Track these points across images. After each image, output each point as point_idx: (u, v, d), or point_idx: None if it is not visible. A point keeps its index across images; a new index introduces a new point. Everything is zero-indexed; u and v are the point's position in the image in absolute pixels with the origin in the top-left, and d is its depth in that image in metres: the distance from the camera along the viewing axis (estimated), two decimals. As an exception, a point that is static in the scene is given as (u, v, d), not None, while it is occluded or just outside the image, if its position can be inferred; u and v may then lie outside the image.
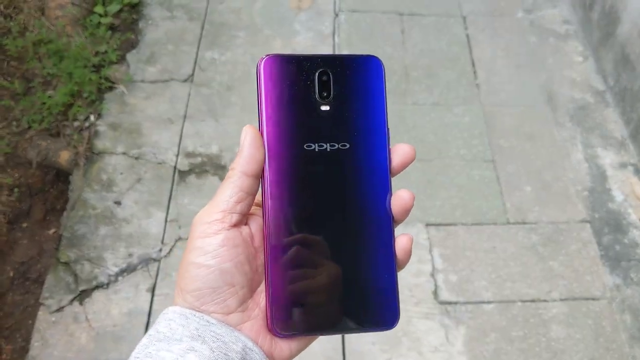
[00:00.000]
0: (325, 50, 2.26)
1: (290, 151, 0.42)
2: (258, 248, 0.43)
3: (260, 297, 0.43)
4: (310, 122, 0.42)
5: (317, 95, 0.43)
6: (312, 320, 0.42)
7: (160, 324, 0.40)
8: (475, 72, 2.23)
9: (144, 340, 0.40)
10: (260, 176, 0.42)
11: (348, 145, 0.43)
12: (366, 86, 0.44)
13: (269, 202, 0.41)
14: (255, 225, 0.43)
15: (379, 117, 0.43)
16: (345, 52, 2.26)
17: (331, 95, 0.43)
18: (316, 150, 0.42)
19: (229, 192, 0.41)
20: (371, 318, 0.42)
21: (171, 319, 0.40)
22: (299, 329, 0.42)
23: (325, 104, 0.43)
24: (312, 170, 0.42)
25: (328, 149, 0.42)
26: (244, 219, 0.42)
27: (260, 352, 0.41)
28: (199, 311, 0.40)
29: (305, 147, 0.42)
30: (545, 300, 1.68)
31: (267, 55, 0.43)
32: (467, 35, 2.35)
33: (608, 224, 1.83)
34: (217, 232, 0.41)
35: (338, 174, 0.42)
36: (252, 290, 0.42)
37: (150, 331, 0.40)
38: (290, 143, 0.42)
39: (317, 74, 0.43)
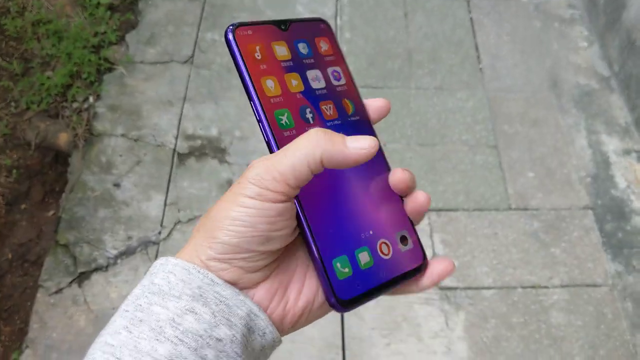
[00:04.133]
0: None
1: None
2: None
3: (282, 262, 0.40)
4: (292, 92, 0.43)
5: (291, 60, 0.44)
6: (366, 285, 0.41)
7: (157, 276, 0.36)
8: (479, 57, 2.20)
9: (136, 290, 0.36)
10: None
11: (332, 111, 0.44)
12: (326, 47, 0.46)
13: None
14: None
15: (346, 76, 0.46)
16: (347, 34, 2.23)
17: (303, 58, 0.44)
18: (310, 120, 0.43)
19: (307, 161, 0.36)
20: (407, 270, 0.42)
21: (171, 272, 0.36)
22: (360, 298, 0.40)
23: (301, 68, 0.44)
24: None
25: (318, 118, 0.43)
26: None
27: (266, 318, 0.37)
28: (210, 263, 0.36)
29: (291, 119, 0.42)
30: (546, 287, 1.67)
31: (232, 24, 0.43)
32: (471, 19, 2.32)
33: (611, 211, 1.82)
34: (277, 201, 0.36)
35: None
36: (280, 252, 0.39)
37: (144, 281, 0.36)
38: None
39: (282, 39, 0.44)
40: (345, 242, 0.41)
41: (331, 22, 2.27)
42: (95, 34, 2.15)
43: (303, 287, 0.40)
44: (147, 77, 2.07)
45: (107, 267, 1.66)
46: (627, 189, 1.87)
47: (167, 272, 0.36)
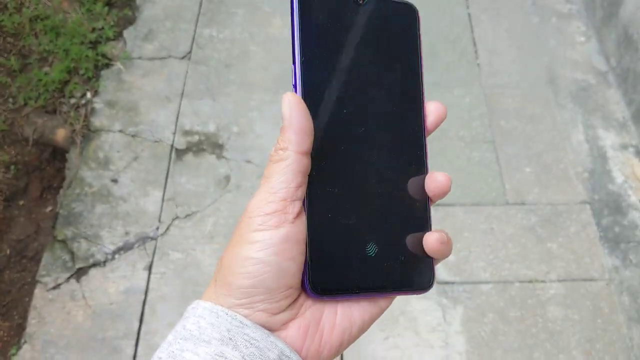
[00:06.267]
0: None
1: (326, 111, 0.40)
2: None
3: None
4: (347, 75, 0.40)
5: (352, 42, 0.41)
6: (350, 279, 0.39)
7: (189, 320, 0.36)
8: (476, 53, 2.20)
9: (169, 336, 0.36)
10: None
11: (384, 102, 0.42)
12: (403, 34, 0.43)
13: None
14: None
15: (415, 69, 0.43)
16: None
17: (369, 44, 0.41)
18: (351, 110, 0.40)
19: (286, 176, 0.36)
20: (408, 280, 0.41)
21: (201, 316, 0.36)
22: (337, 288, 0.39)
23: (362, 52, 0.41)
24: (348, 129, 0.40)
25: (366, 108, 0.41)
26: (303, 207, 0.38)
27: (298, 358, 0.37)
28: (234, 310, 0.36)
29: (340, 106, 0.40)
30: (543, 281, 1.68)
31: None
32: (469, 15, 2.32)
33: (608, 206, 1.82)
34: (279, 224, 0.36)
35: (374, 137, 0.41)
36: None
37: (177, 327, 0.36)
38: (327, 103, 0.40)
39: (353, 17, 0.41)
40: (351, 233, 0.40)
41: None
42: (93, 30, 2.15)
43: (336, 316, 0.39)
44: (144, 73, 2.07)
45: (104, 262, 1.67)
46: (624, 184, 1.87)
47: (197, 317, 0.36)
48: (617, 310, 1.63)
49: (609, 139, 1.98)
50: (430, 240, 0.40)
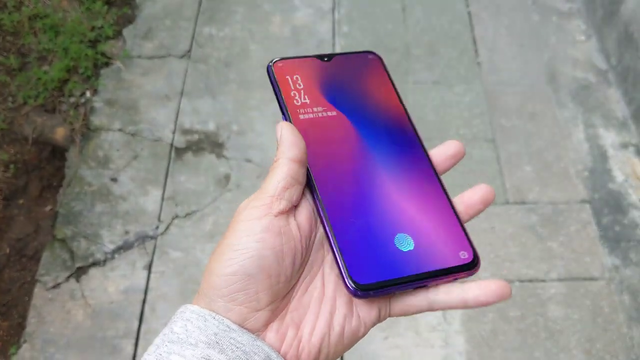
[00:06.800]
0: (325, 26, 2.23)
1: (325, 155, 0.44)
2: (304, 245, 0.40)
3: (292, 299, 0.39)
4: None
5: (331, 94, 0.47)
6: (392, 270, 0.39)
7: (176, 324, 0.37)
8: (476, 51, 2.20)
9: (157, 339, 0.37)
10: (305, 164, 0.41)
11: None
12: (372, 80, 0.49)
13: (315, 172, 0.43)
14: (304, 216, 0.41)
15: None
16: (345, 28, 2.23)
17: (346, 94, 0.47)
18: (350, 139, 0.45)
19: (276, 177, 0.39)
20: (451, 262, 0.40)
21: (188, 319, 0.36)
22: (380, 284, 0.38)
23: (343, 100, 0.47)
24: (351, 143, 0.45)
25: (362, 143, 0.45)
26: (292, 209, 0.40)
27: None
28: (219, 313, 0.37)
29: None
30: (543, 281, 1.67)
31: (275, 59, 0.47)
32: (469, 13, 2.31)
33: (608, 205, 1.82)
34: (262, 216, 0.38)
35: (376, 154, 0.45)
36: (287, 288, 0.39)
37: (165, 330, 0.37)
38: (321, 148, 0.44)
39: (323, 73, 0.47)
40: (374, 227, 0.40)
41: (328, 16, 2.27)
42: (92, 29, 2.14)
43: (317, 320, 0.39)
44: (144, 71, 2.07)
45: (104, 261, 1.66)
46: (624, 183, 1.87)
47: (185, 320, 0.37)
48: (618, 310, 1.63)
49: (609, 137, 1.97)
50: (488, 192, 0.45)
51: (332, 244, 0.39)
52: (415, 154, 0.45)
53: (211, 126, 1.94)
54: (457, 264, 0.40)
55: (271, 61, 0.46)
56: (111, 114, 1.95)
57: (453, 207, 0.43)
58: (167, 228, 1.72)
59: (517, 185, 1.85)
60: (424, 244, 0.40)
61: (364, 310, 0.40)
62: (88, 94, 1.99)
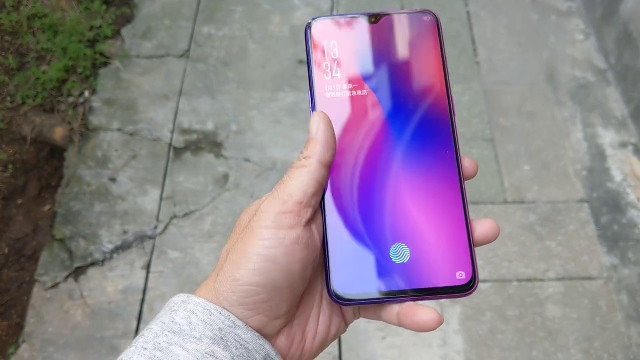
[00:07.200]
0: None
1: (348, 129, 0.40)
2: (320, 252, 0.39)
3: (306, 301, 0.39)
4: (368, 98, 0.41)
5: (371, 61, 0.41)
6: (375, 284, 0.38)
7: (178, 314, 0.35)
8: (475, 50, 2.20)
9: (155, 327, 0.35)
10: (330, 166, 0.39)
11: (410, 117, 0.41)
12: (423, 45, 0.42)
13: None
14: (319, 221, 0.39)
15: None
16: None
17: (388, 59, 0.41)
18: (377, 128, 0.40)
19: (305, 182, 0.37)
20: (444, 281, 0.38)
21: (192, 311, 0.35)
22: (364, 295, 0.37)
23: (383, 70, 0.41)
24: (372, 145, 0.40)
25: (390, 126, 0.40)
26: (314, 216, 0.38)
27: None
28: (233, 309, 0.36)
29: (363, 126, 0.40)
30: (541, 280, 1.68)
31: (314, 18, 0.42)
32: (468, 12, 2.31)
33: (606, 204, 1.82)
34: (292, 226, 0.36)
35: (399, 148, 0.40)
36: (301, 295, 0.39)
37: (163, 318, 0.35)
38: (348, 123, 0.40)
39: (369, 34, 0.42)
40: (376, 235, 0.38)
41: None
42: (91, 28, 2.14)
43: (318, 325, 0.40)
44: (143, 71, 2.07)
45: (103, 261, 1.67)
46: (622, 182, 1.87)
47: (188, 312, 0.35)
48: (616, 309, 1.63)
49: (607, 136, 1.97)
50: (487, 227, 0.40)
51: (325, 250, 0.38)
52: (444, 156, 0.40)
53: (210, 126, 1.94)
54: (450, 284, 0.38)
55: (311, 20, 0.42)
56: (110, 113, 1.95)
57: (467, 221, 0.39)
58: (165, 228, 1.72)
59: (516, 185, 1.85)
60: (420, 258, 0.38)
61: (349, 311, 0.41)
62: (86, 93, 1.99)
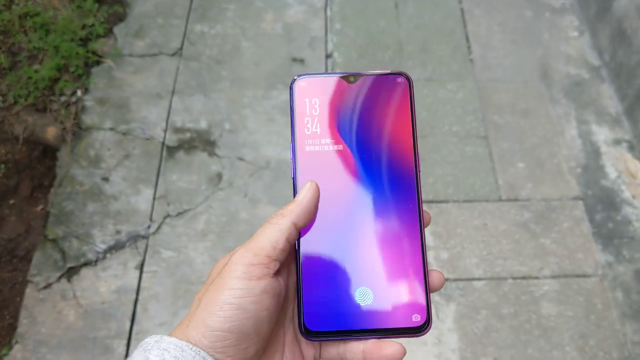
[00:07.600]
0: (317, 23, 2.22)
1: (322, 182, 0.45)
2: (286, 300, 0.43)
3: (272, 343, 0.43)
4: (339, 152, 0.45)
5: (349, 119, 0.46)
6: (341, 323, 0.42)
7: (152, 353, 0.38)
8: (469, 47, 2.19)
9: None
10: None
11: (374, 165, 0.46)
12: (393, 106, 0.47)
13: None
14: (286, 269, 0.44)
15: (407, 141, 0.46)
16: (337, 25, 2.22)
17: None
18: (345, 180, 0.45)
19: (275, 238, 0.41)
20: (401, 323, 0.43)
21: (165, 349, 0.38)
22: (329, 331, 0.42)
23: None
24: (341, 196, 0.45)
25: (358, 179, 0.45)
26: (281, 268, 0.42)
27: None
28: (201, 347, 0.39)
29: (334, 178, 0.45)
30: (536, 278, 1.67)
31: (300, 75, 0.47)
32: (462, 10, 2.31)
33: (601, 201, 1.82)
34: (261, 277, 0.40)
35: (367, 196, 0.45)
36: (269, 341, 0.42)
37: (138, 357, 0.38)
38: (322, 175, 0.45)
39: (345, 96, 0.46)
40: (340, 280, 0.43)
41: (321, 13, 2.26)
42: (83, 27, 2.13)
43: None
44: (135, 69, 2.05)
45: (96, 261, 1.66)
46: (617, 179, 1.87)
47: (161, 350, 0.38)
48: (611, 306, 1.63)
49: (602, 134, 1.97)
50: (438, 279, 0.44)
51: (298, 290, 0.43)
52: (407, 207, 0.45)
53: (203, 124, 1.93)
54: (407, 326, 0.43)
55: (296, 77, 0.47)
56: (102, 112, 1.94)
57: (425, 268, 0.44)
58: (159, 227, 1.72)
59: (510, 182, 1.85)
60: (382, 301, 0.43)
61: (309, 349, 0.44)
62: (79, 92, 1.98)
